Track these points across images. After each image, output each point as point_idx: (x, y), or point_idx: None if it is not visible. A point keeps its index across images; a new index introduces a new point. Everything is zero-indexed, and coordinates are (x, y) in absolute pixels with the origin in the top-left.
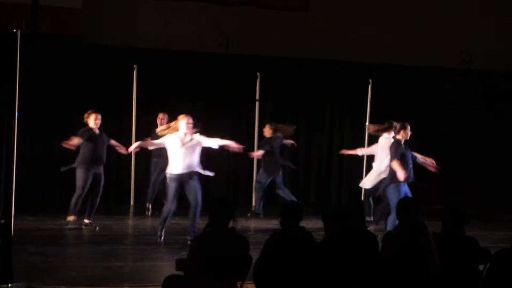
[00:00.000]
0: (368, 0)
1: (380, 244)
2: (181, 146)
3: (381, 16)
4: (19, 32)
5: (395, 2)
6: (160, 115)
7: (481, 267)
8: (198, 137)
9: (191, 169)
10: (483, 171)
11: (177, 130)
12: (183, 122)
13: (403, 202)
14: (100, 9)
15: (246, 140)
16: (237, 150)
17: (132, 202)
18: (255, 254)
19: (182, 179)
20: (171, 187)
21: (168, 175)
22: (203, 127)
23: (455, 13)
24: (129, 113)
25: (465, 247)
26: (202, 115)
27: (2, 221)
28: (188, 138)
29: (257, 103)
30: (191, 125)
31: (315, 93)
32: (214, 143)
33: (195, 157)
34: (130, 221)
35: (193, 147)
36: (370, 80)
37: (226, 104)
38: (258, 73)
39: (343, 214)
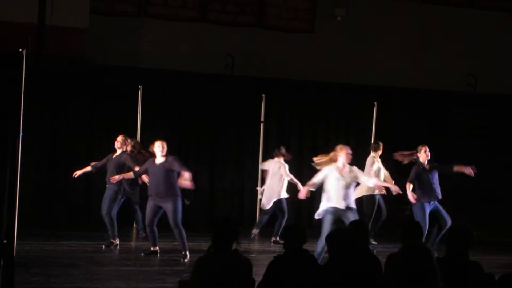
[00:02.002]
0: (374, 23)
1: (383, 267)
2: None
3: (386, 38)
4: (24, 51)
5: (401, 25)
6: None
7: None
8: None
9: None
10: (489, 194)
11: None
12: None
13: (408, 226)
14: (105, 30)
15: (250, 162)
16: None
17: (135, 223)
18: (258, 277)
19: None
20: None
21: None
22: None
23: (460, 36)
24: (134, 134)
25: (469, 272)
26: (207, 136)
27: (5, 241)
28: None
29: (262, 125)
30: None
31: (319, 115)
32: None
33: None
34: (133, 242)
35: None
36: (375, 103)
37: (231, 126)
38: (263, 95)
39: (347, 237)
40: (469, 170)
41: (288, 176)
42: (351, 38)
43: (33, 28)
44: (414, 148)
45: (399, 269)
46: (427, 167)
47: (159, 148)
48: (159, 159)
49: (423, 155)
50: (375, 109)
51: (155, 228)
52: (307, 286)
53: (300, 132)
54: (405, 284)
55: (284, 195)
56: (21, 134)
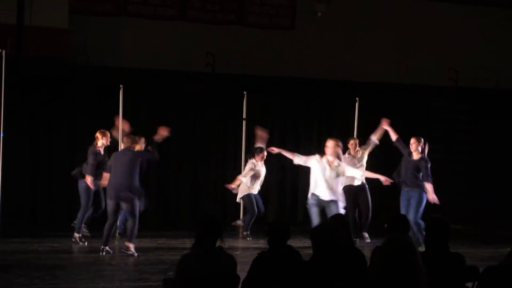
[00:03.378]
0: (354, 19)
1: (368, 260)
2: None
3: (367, 34)
4: (4, 52)
5: (382, 20)
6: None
7: (469, 284)
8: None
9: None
10: (471, 188)
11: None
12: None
13: (393, 219)
14: (86, 30)
15: (233, 160)
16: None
17: (118, 223)
18: (242, 274)
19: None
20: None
21: None
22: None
23: (441, 30)
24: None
25: (451, 264)
26: (189, 134)
27: None
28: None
29: (244, 122)
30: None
31: (301, 112)
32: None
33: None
34: (117, 242)
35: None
36: (357, 98)
37: (213, 124)
38: (244, 92)
39: (330, 231)
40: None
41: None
42: (332, 34)
43: (12, 29)
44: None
45: (384, 262)
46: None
47: None
48: None
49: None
50: (357, 104)
51: None
52: (291, 281)
53: (282, 129)
54: (390, 277)
55: (254, 191)
56: (1, 135)
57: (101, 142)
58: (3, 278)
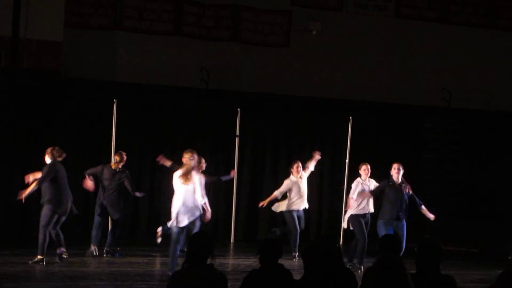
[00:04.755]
0: (349, 38)
1: (359, 282)
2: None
3: (361, 53)
4: None
5: (376, 40)
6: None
7: None
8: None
9: None
10: (462, 209)
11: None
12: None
13: (384, 240)
14: (80, 43)
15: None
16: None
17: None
18: None
19: None
20: None
21: None
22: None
23: (435, 51)
24: (108, 148)
25: (442, 286)
26: (182, 150)
27: None
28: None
29: (237, 139)
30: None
31: (294, 129)
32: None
33: None
34: (107, 257)
35: None
36: (350, 117)
37: (206, 140)
38: (238, 109)
39: (322, 251)
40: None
41: None
42: (326, 52)
43: (7, 42)
44: (387, 162)
45: (374, 283)
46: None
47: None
48: None
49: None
50: (350, 123)
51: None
52: None
53: (275, 146)
54: None
55: (297, 207)
56: None
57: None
58: None
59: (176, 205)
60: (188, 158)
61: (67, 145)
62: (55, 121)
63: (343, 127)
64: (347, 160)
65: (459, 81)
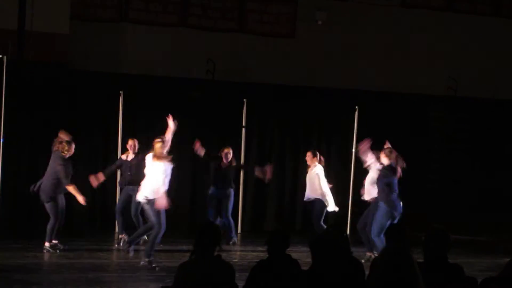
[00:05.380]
0: (355, 27)
1: (366, 271)
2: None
3: (367, 42)
4: (5, 57)
5: (382, 29)
6: (130, 142)
7: None
8: None
9: None
10: (471, 198)
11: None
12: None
13: (390, 229)
14: (86, 35)
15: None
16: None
17: (116, 229)
18: (241, 282)
19: None
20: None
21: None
22: None
23: (441, 39)
24: (115, 139)
25: (450, 275)
26: (188, 141)
27: None
28: None
29: (243, 130)
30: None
31: (301, 119)
32: None
33: None
34: (115, 248)
35: None
36: (356, 107)
37: (212, 131)
38: (244, 100)
39: (330, 241)
40: None
41: None
42: (332, 42)
43: (13, 34)
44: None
45: (382, 273)
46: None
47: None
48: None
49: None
50: (356, 113)
51: None
52: None
53: (282, 137)
54: (388, 287)
55: None
56: (2, 141)
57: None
58: (2, 283)
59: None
60: (158, 143)
61: (73, 137)
62: (61, 113)
63: (349, 117)
64: (353, 150)
65: (466, 69)
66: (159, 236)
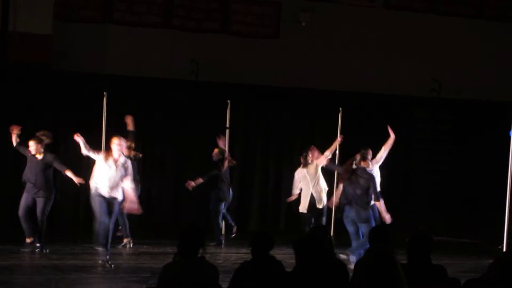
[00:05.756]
0: (339, 28)
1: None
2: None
3: (351, 44)
4: None
5: (366, 30)
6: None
7: None
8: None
9: None
10: (453, 199)
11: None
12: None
13: (374, 231)
14: (69, 36)
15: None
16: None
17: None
18: (224, 283)
19: None
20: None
21: None
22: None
23: (424, 41)
24: (98, 140)
25: (433, 276)
26: (172, 142)
27: None
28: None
29: (227, 131)
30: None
31: (285, 120)
32: None
33: None
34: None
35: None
36: (340, 108)
37: (196, 132)
38: (228, 101)
39: (315, 242)
40: None
41: None
42: (316, 43)
43: None
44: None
45: (365, 274)
46: None
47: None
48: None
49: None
50: (340, 114)
51: None
52: None
53: (266, 138)
54: None
55: None
56: None
57: None
58: None
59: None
60: (115, 144)
61: (57, 139)
62: (45, 114)
63: (333, 118)
64: (337, 152)
65: (448, 71)
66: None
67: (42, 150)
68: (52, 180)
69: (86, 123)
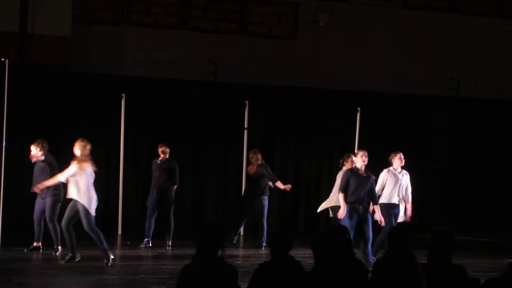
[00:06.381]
0: (357, 29)
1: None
2: None
3: (369, 44)
4: (7, 61)
5: (384, 30)
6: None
7: None
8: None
9: None
10: (470, 199)
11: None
12: None
13: (393, 231)
14: (88, 38)
15: (234, 169)
16: None
17: (119, 232)
18: (243, 284)
19: None
20: None
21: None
22: None
23: (443, 40)
24: (117, 142)
25: (453, 276)
26: (190, 143)
27: None
28: None
29: (245, 132)
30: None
31: (303, 121)
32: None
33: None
34: (118, 251)
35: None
36: (358, 108)
37: (214, 132)
38: (246, 101)
39: (334, 243)
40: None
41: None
42: (334, 43)
43: (15, 38)
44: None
45: (384, 274)
46: (363, 173)
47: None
48: None
49: (359, 160)
50: (358, 114)
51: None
52: None
53: (284, 139)
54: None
55: None
56: (4, 144)
57: None
58: (4, 286)
59: None
60: (82, 147)
61: (75, 140)
62: (63, 115)
63: (351, 118)
64: (355, 151)
65: (467, 70)
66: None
67: (41, 153)
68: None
69: (105, 124)
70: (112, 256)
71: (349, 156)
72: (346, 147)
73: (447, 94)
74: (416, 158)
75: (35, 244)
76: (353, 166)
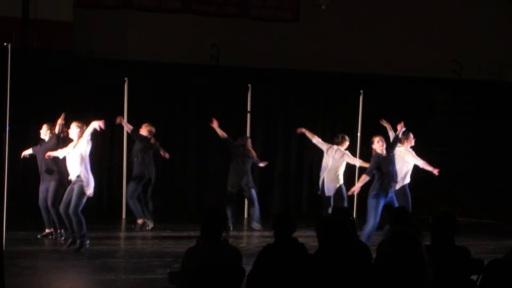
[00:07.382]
0: (358, 11)
1: (374, 254)
2: None
3: (371, 26)
4: (9, 46)
5: (385, 13)
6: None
7: (474, 277)
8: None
9: None
10: (474, 181)
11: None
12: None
13: (396, 212)
14: (90, 22)
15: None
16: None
17: (124, 216)
18: (248, 267)
19: None
20: None
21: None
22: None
23: (446, 22)
24: (120, 126)
25: (457, 257)
26: (193, 127)
27: None
28: None
29: (248, 115)
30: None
31: (306, 104)
32: None
33: None
34: (122, 234)
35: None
36: (361, 91)
37: (217, 116)
38: (249, 85)
39: (337, 224)
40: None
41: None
42: (336, 26)
43: (17, 22)
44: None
45: (388, 255)
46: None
47: None
48: None
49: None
50: (361, 97)
51: None
52: (297, 275)
53: (287, 122)
54: (395, 270)
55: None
56: (8, 128)
57: None
58: (10, 270)
59: None
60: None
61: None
62: (66, 100)
63: (354, 101)
64: (358, 134)
65: (470, 52)
66: None
67: (47, 134)
68: (57, 165)
69: (108, 108)
70: (88, 243)
71: (344, 137)
72: (349, 130)
73: (449, 76)
74: (419, 140)
75: (47, 230)
76: (375, 152)
